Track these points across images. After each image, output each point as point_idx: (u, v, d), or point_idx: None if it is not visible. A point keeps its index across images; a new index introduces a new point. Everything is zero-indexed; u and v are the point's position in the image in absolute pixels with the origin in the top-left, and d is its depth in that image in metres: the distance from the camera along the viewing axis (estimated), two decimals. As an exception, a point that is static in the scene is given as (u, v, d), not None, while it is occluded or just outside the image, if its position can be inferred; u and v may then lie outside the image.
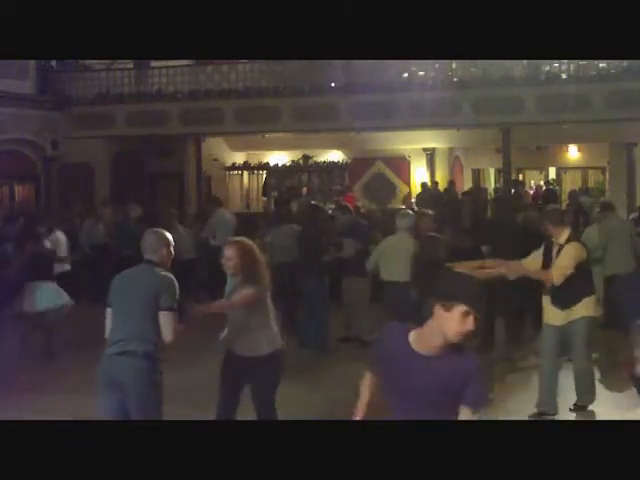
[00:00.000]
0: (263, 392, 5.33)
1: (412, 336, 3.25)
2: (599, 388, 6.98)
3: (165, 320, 4.75)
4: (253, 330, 5.20)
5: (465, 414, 3.21)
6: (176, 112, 16.85)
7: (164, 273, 4.96)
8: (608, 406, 6.68)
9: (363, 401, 3.62)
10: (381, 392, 3.39)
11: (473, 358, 3.26)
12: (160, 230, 5.32)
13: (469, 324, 3.09)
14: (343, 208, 11.18)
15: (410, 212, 8.62)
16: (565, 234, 6.57)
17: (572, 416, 6.61)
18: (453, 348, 3.19)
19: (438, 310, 3.15)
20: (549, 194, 19.99)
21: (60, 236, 10.19)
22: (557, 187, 21.92)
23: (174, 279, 4.94)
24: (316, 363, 8.82)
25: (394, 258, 8.02)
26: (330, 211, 12.81)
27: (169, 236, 5.19)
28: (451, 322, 3.10)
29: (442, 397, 3.18)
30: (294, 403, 6.90)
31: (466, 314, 3.09)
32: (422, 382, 3.18)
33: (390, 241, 8.33)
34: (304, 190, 19.54)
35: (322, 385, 7.80)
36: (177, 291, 4.87)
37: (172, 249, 5.16)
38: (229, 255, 5.16)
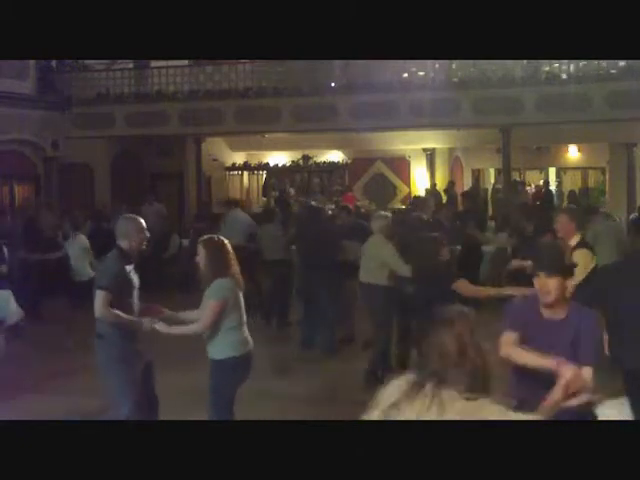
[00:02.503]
0: (210, 402, 5.19)
1: (541, 304, 3.76)
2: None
3: (95, 297, 5.13)
4: (217, 332, 5.14)
5: (586, 372, 3.54)
6: (176, 112, 16.86)
7: (108, 257, 5.31)
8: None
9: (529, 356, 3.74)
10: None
11: (590, 314, 3.76)
12: (132, 216, 5.56)
13: (538, 284, 3.69)
14: (345, 209, 11.17)
15: (385, 214, 8.58)
16: (577, 237, 6.14)
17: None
18: (576, 307, 3.73)
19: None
20: (547, 194, 20.04)
21: None
22: (557, 187, 21.90)
23: (107, 261, 5.30)
24: (317, 363, 8.82)
25: (367, 260, 8.09)
26: (330, 212, 12.79)
27: (141, 223, 5.37)
28: (536, 286, 3.74)
29: (567, 353, 3.55)
30: (292, 403, 6.92)
31: (536, 276, 3.73)
32: (548, 341, 3.63)
33: (366, 244, 8.36)
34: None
35: (321, 385, 7.81)
36: (107, 272, 5.20)
37: (143, 235, 5.34)
38: (198, 251, 5.20)
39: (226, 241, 5.28)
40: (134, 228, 5.35)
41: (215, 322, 5.07)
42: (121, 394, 5.23)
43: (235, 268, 5.21)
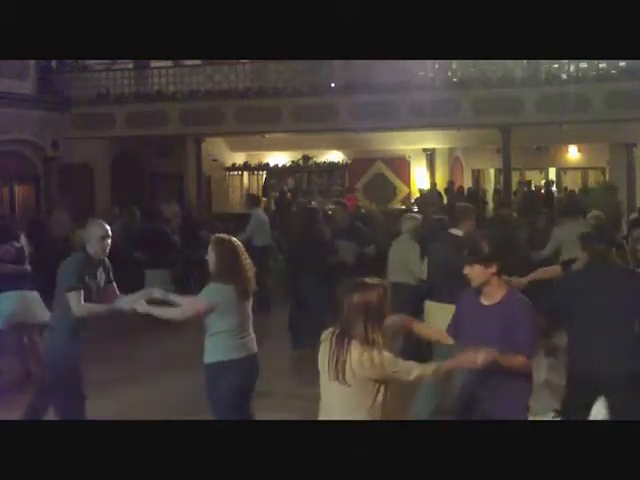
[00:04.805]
0: (210, 406, 5.12)
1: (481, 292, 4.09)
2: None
3: (69, 300, 5.19)
4: (208, 335, 5.06)
5: (519, 360, 3.84)
6: (176, 112, 16.84)
7: (70, 259, 5.38)
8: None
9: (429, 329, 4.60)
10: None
11: (525, 304, 4.00)
12: (97, 221, 5.61)
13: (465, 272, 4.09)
14: (342, 204, 11.08)
15: (414, 215, 8.68)
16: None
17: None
18: (511, 294, 4.03)
19: None
20: (548, 194, 20.05)
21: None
22: (555, 188, 21.90)
23: (69, 262, 5.33)
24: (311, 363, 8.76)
25: (395, 260, 8.13)
26: (329, 211, 12.77)
27: (105, 228, 5.40)
28: None
29: (497, 336, 3.84)
30: (291, 403, 6.92)
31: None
32: (480, 325, 3.98)
33: (394, 244, 8.45)
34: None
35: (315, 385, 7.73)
36: (70, 272, 5.22)
37: (106, 241, 5.38)
38: (209, 251, 5.07)
39: (238, 243, 5.11)
40: (98, 233, 5.37)
41: (195, 316, 5.02)
42: (51, 385, 5.34)
43: (243, 273, 5.03)
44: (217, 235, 5.22)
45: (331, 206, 14.20)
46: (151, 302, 5.15)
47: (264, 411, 5.41)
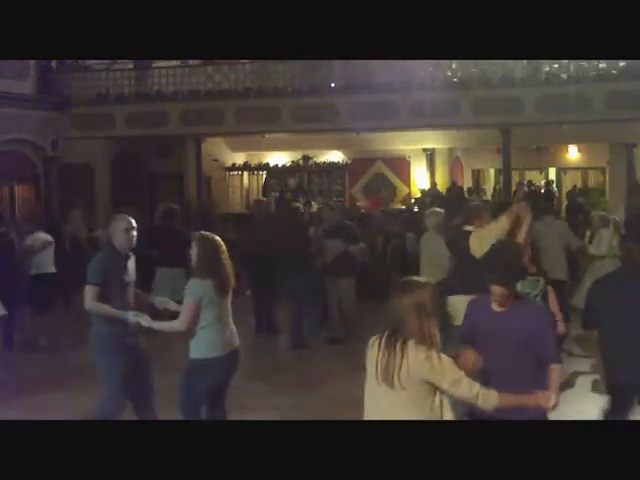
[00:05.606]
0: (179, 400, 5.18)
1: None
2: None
3: (85, 291, 5.40)
4: (193, 332, 5.15)
5: (555, 370, 4.01)
6: (176, 112, 16.85)
7: (99, 254, 5.62)
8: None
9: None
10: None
11: (540, 310, 4.22)
12: (121, 216, 5.77)
13: (492, 290, 4.12)
14: (330, 205, 11.06)
15: (437, 210, 8.69)
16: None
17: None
18: (526, 303, 4.20)
19: None
20: (548, 194, 20.04)
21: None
22: (556, 188, 21.89)
23: (96, 259, 5.54)
24: (307, 362, 8.78)
25: (427, 256, 8.21)
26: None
27: (129, 222, 5.57)
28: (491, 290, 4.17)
29: (513, 341, 3.97)
30: (287, 403, 6.92)
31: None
32: (495, 331, 4.06)
33: (422, 241, 8.56)
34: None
35: (312, 384, 7.74)
36: (94, 268, 5.40)
37: (131, 234, 5.53)
38: (192, 246, 5.23)
39: (220, 241, 5.27)
40: (122, 227, 5.53)
41: (192, 320, 5.10)
42: (104, 382, 5.43)
43: (222, 269, 5.19)
44: (201, 232, 5.37)
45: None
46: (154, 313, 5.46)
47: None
